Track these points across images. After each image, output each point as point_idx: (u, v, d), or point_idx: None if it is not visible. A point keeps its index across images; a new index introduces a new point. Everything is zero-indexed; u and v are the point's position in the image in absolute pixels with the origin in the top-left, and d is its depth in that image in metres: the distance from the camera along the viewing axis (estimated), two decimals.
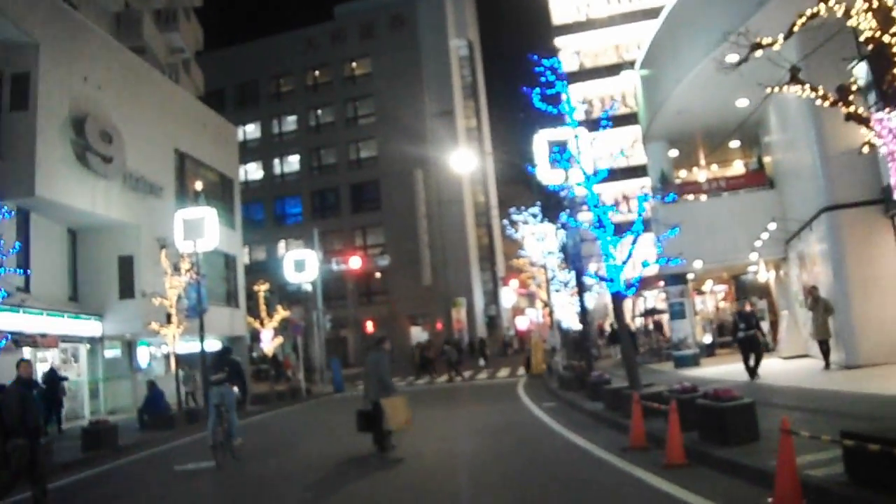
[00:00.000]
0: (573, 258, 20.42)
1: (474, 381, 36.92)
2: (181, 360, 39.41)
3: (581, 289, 21.38)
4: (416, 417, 15.78)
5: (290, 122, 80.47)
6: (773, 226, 26.01)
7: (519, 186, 70.88)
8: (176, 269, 26.68)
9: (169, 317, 25.93)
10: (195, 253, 27.56)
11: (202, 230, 27.78)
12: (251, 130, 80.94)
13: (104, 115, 30.28)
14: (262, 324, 35.47)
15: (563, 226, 20.32)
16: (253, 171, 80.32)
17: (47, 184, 26.55)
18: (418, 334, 69.72)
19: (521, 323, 77.40)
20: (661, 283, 41.74)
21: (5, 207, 20.17)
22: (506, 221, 29.86)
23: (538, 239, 26.59)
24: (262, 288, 35.85)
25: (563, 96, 16.40)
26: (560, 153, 17.18)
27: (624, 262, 15.94)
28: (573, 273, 26.91)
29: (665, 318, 39.37)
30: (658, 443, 11.81)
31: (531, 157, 21.51)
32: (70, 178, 28.00)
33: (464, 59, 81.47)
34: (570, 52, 67.31)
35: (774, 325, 30.75)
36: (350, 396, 35.14)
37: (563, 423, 16.90)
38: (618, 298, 16.28)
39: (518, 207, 27.03)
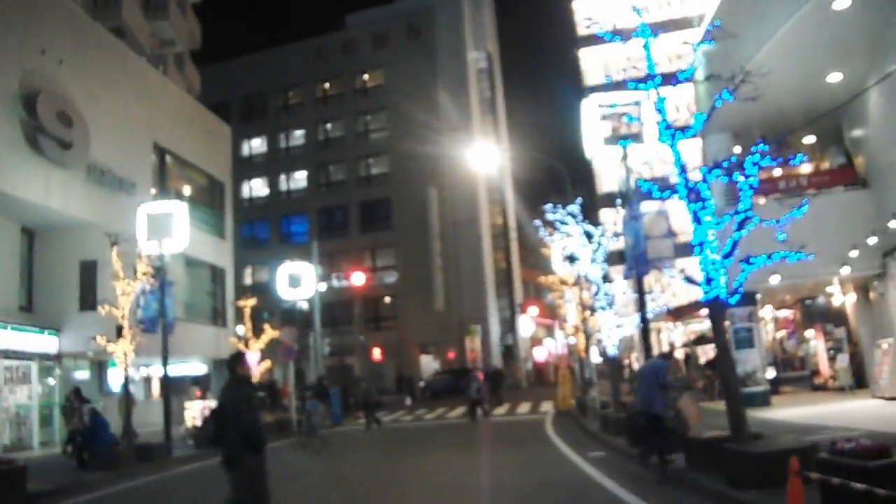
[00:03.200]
0: (635, 260, 15.58)
1: (493, 417, 32.01)
2: (169, 384, 35.18)
3: (643, 301, 16.48)
4: (422, 466, 14.75)
5: (298, 136, 76.35)
6: (873, 239, 21.15)
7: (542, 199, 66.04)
8: (133, 272, 21.65)
9: (119, 330, 21.02)
10: (160, 255, 22.76)
11: (170, 228, 23.00)
12: (257, 145, 77.21)
13: (63, 95, 25.72)
14: (246, 345, 30.54)
15: (632, 215, 15.42)
16: (258, 188, 76.48)
17: None
18: (429, 363, 65.17)
19: (540, 354, 72.81)
20: (703, 312, 36.97)
21: None
22: (538, 222, 24.83)
23: (581, 244, 21.76)
24: (247, 303, 30.96)
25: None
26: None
27: (727, 255, 11.10)
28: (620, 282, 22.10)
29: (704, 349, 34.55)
30: None
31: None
32: (16, 163, 23.38)
33: (482, 72, 76.89)
34: (597, 64, 62.91)
35: (854, 359, 25.89)
36: (350, 431, 30.31)
37: (632, 490, 11.94)
38: (717, 308, 11.35)
39: (554, 205, 22.15)
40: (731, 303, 11.33)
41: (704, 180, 11.02)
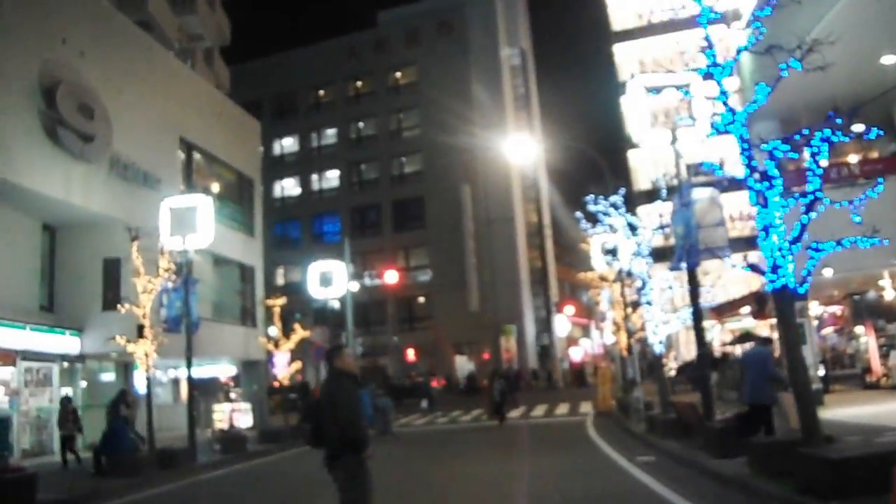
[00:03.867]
0: (686, 251, 14.40)
1: (530, 420, 30.87)
2: (197, 385, 34.23)
3: (696, 294, 15.29)
4: (458, 473, 14.39)
5: (330, 135, 75.70)
6: None
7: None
8: (156, 269, 20.67)
9: (141, 329, 20.06)
10: (184, 251, 21.81)
11: (193, 223, 22.02)
12: (289, 144, 76.81)
13: (85, 87, 24.83)
14: (276, 345, 29.55)
15: (683, 203, 14.22)
16: (290, 188, 76.07)
17: (2, 161, 21.15)
18: (463, 364, 64.17)
19: (576, 353, 71.61)
20: (745, 309, 35.56)
21: None
22: (579, 214, 23.63)
23: (625, 236, 20.62)
24: (277, 302, 29.96)
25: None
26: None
27: (795, 241, 9.95)
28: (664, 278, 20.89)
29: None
30: None
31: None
32: (35, 157, 22.46)
33: (516, 68, 75.69)
34: (632, 60, 61.60)
35: None
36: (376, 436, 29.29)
37: (691, 499, 10.81)
38: (785, 299, 10.18)
39: (596, 196, 21.03)
40: (800, 293, 10.14)
41: (772, 157, 9.87)
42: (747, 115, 10.27)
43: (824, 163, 10.13)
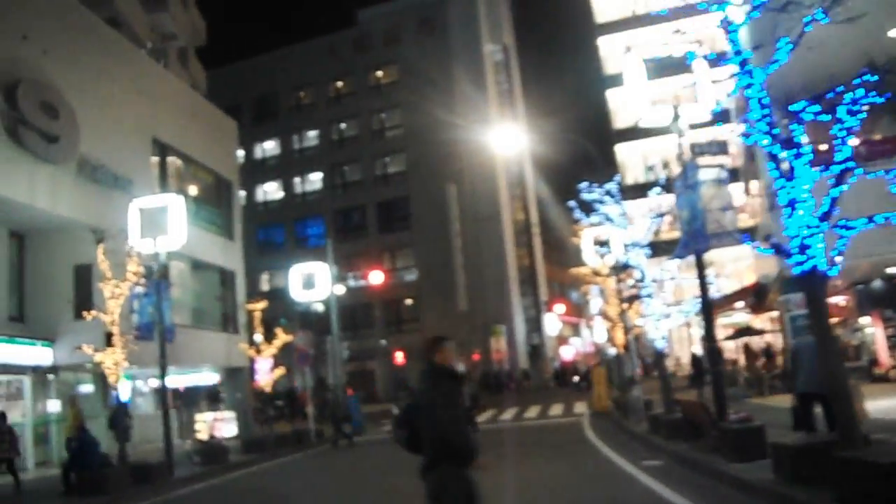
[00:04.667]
0: (691, 236, 13.28)
1: (523, 422, 29.77)
2: (181, 394, 32.96)
3: (704, 282, 14.13)
4: None
5: (312, 136, 74.56)
6: None
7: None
8: (124, 273, 19.42)
9: (109, 337, 18.84)
10: (156, 254, 20.61)
11: (165, 224, 20.83)
12: (270, 147, 75.80)
13: (48, 85, 23.56)
14: (258, 351, 28.36)
15: (687, 185, 13.06)
16: (272, 191, 75.16)
17: None
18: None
19: (566, 352, 70.59)
20: (739, 304, 34.57)
21: None
22: (573, 203, 22.46)
23: (620, 226, 19.53)
24: (257, 306, 28.79)
25: None
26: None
27: (825, 217, 8.87)
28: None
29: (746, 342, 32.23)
30: None
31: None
32: None
33: (499, 64, 74.48)
34: (617, 52, 60.66)
35: None
36: (371, 441, 28.15)
37: None
38: (815, 282, 9.05)
39: (590, 183, 19.95)
40: (830, 275, 9.03)
41: (799, 121, 8.75)
42: (766, 76, 9.14)
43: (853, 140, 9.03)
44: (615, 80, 58.54)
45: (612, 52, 60.13)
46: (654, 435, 18.10)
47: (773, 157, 8.95)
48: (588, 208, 20.87)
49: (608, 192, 19.85)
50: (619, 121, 57.72)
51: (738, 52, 9.24)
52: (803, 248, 8.84)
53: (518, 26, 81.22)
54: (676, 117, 14.04)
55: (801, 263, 8.89)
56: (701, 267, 13.93)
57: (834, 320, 28.49)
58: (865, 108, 8.58)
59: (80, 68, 25.65)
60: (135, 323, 20.65)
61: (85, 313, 19.35)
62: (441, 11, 70.02)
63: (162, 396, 21.46)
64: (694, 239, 13.12)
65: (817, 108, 8.73)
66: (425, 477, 6.66)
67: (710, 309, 14.66)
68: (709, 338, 14.68)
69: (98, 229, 19.96)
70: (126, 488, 17.35)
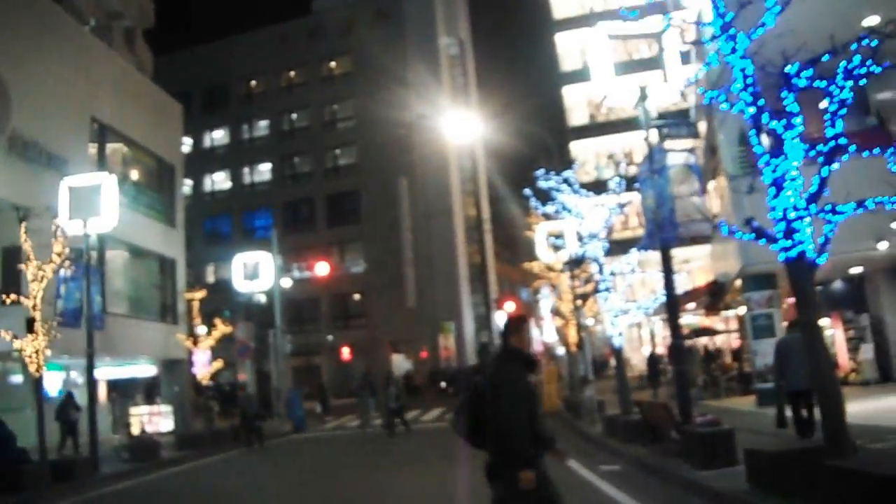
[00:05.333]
0: (657, 225, 12.36)
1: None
2: (116, 386, 31.51)
3: (670, 276, 13.18)
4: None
5: (262, 126, 73.16)
6: None
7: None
8: (49, 254, 18.07)
9: (31, 323, 17.54)
10: (86, 235, 19.36)
11: (97, 204, 19.59)
12: (219, 137, 74.36)
13: None
14: (195, 342, 27.08)
15: (654, 169, 12.11)
16: (220, 181, 73.58)
17: None
18: (401, 363, 61.98)
19: None
20: (691, 306, 33.88)
21: None
22: (528, 192, 21.43)
23: (577, 216, 18.59)
24: (196, 296, 27.55)
25: None
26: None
27: (813, 198, 8.01)
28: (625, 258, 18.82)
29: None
30: None
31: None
32: None
33: (454, 58, 73.54)
34: (574, 49, 60.08)
35: (880, 350, 23.12)
36: (315, 438, 27.09)
37: None
38: (802, 271, 8.17)
39: (547, 170, 19.05)
40: (818, 263, 8.16)
41: (790, 88, 7.86)
42: (751, 41, 8.24)
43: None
44: (571, 77, 58.25)
45: (568, 49, 59.59)
46: (610, 438, 17.22)
47: (758, 130, 8.05)
48: (545, 196, 19.94)
49: (566, 181, 18.95)
50: (575, 118, 57.27)
51: (721, 15, 8.32)
52: (790, 233, 7.96)
53: (474, 21, 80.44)
54: (644, 97, 13.12)
55: (787, 249, 8.02)
56: (667, 259, 13.02)
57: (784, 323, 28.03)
58: (863, 76, 7.71)
59: (14, 40, 24.27)
60: (60, 309, 19.30)
61: (3, 297, 17.91)
62: (397, 3, 68.96)
63: (89, 388, 20.12)
64: (661, 228, 12.22)
65: (811, 72, 7.83)
66: (491, 482, 5.77)
67: (675, 304, 13.77)
68: (675, 335, 13.78)
69: (22, 206, 18.57)
70: (44, 487, 16.08)
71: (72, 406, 23.53)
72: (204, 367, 27.44)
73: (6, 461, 16.15)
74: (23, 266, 17.63)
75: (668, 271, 13.09)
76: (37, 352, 17.38)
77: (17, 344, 17.48)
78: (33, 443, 20.96)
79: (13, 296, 17.74)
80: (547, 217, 23.26)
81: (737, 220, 21.26)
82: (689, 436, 11.80)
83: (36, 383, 18.09)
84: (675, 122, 14.09)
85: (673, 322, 13.66)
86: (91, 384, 20.04)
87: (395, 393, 25.61)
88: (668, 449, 13.08)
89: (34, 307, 17.39)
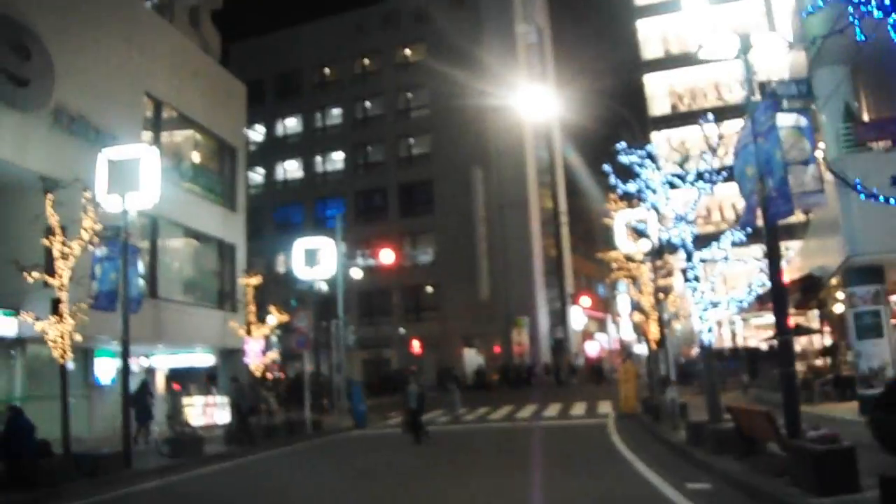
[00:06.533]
0: (764, 199, 10.28)
1: (541, 422, 26.93)
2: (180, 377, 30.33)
3: (776, 258, 11.01)
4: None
5: (335, 115, 71.89)
6: None
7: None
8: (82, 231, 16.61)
9: (56, 304, 16.11)
10: (124, 212, 17.89)
11: (136, 179, 18.10)
12: (292, 125, 73.48)
13: (20, 22, 20.98)
14: (248, 332, 25.54)
15: (758, 132, 10.02)
16: (293, 170, 72.69)
17: None
18: (473, 357, 60.36)
19: (591, 348, 67.61)
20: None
21: None
22: (607, 168, 19.18)
23: (664, 195, 16.45)
24: (251, 281, 26.03)
25: None
26: None
27: None
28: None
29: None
30: None
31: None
32: None
33: (532, 46, 71.43)
34: (655, 37, 57.99)
35: None
36: (375, 436, 25.50)
37: None
38: None
39: (629, 145, 17.01)
40: None
41: None
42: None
43: None
44: (651, 65, 56.27)
45: (649, 37, 57.63)
46: (695, 448, 15.10)
47: None
48: (626, 174, 17.80)
49: (649, 155, 16.85)
50: (656, 108, 55.32)
51: None
52: None
53: (553, 7, 78.18)
54: (747, 48, 11.06)
55: None
56: (774, 238, 10.91)
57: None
58: None
59: (62, 9, 23.05)
60: (93, 290, 17.81)
61: (26, 275, 16.43)
62: None
63: (123, 375, 18.58)
64: (771, 202, 10.12)
65: None
66: None
67: (783, 293, 11.65)
68: (781, 329, 11.56)
69: (50, 178, 17.17)
70: (63, 482, 14.59)
71: (147, 392, 24.70)
72: (257, 356, 25.85)
73: (24, 454, 14.62)
74: (46, 241, 16.14)
75: (773, 255, 10.94)
76: (62, 336, 15.88)
77: (38, 326, 16.04)
78: (81, 433, 19.87)
79: (35, 274, 16.23)
80: (628, 199, 21.07)
81: (838, 206, 19.06)
82: (798, 452, 9.71)
83: (61, 369, 16.58)
84: (785, 82, 11.87)
85: (780, 314, 11.48)
86: (125, 372, 18.54)
87: (416, 392, 22.96)
88: (766, 465, 11.04)
89: (60, 287, 15.92)
